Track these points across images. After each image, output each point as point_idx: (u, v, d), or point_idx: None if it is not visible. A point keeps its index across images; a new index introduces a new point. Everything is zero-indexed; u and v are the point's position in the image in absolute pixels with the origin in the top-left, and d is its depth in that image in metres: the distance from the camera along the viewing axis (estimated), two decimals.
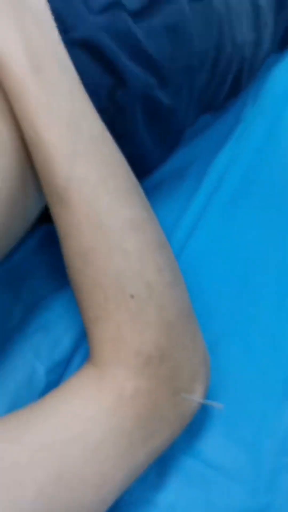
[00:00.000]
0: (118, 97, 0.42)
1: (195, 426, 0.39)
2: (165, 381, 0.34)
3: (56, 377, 0.41)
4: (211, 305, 0.50)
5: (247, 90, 0.70)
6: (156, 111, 0.46)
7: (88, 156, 0.33)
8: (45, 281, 0.47)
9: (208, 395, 0.37)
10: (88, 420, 0.31)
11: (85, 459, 0.30)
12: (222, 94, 0.61)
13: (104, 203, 0.33)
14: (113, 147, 0.35)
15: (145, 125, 0.46)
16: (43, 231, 0.50)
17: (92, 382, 0.33)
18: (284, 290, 0.52)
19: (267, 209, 0.59)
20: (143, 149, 0.47)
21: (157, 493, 0.38)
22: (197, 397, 0.35)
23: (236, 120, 0.67)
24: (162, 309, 0.34)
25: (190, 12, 0.51)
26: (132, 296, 0.33)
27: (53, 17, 0.36)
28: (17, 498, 0.27)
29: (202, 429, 0.41)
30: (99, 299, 0.34)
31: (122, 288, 0.33)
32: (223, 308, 0.50)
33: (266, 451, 0.41)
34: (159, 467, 0.39)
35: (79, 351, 0.43)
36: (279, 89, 0.70)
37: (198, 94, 0.52)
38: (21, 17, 0.33)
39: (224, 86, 0.60)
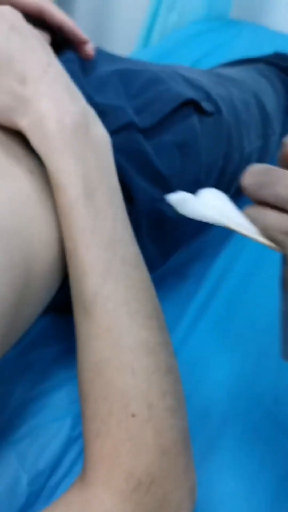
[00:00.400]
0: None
1: None
2: (150, 510, 0.34)
3: (38, 487, 0.41)
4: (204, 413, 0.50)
5: None
6: (161, 223, 0.48)
7: (118, 277, 0.36)
8: (40, 377, 0.47)
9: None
10: None
11: None
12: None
13: (124, 322, 0.35)
14: (142, 272, 0.38)
15: (149, 236, 0.47)
16: (47, 320, 0.51)
17: (79, 508, 0.33)
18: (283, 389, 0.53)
19: (263, 308, 0.60)
20: (145, 259, 0.48)
21: None
22: None
23: None
24: (160, 434, 0.34)
25: (201, 128, 0.54)
26: (133, 415, 0.34)
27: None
28: None
29: None
30: (103, 412, 0.34)
31: (125, 405, 0.34)
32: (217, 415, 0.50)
33: None
34: None
35: (64, 460, 0.42)
36: None
37: None
38: (84, 146, 0.37)
39: (229, 191, 0.63)
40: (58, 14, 0.49)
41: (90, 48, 0.51)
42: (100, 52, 0.57)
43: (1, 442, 0.41)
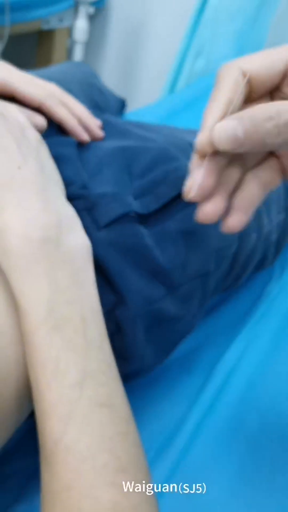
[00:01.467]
0: (118, 315, 0.39)
1: None
2: None
3: None
4: None
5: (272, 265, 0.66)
6: (160, 322, 0.43)
7: (83, 423, 0.30)
8: (13, 498, 0.41)
9: None
10: None
11: None
12: (241, 280, 0.57)
13: (86, 481, 0.29)
14: (117, 413, 0.32)
15: (146, 336, 0.42)
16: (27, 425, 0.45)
17: None
18: None
19: (278, 411, 0.53)
20: (141, 363, 0.42)
21: None
22: None
23: (256, 298, 0.63)
24: None
25: None
26: None
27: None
28: None
29: None
30: None
31: None
32: None
33: None
34: None
35: None
36: None
37: (210, 294, 0.49)
38: (53, 264, 0.33)
39: (244, 275, 0.56)
40: (58, 113, 0.47)
41: (85, 137, 0.48)
42: (106, 122, 0.53)
43: None
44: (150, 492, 0.31)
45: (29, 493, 0.41)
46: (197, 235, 0.46)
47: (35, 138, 0.39)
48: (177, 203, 0.45)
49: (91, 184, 0.43)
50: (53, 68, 0.73)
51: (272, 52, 0.32)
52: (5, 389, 0.32)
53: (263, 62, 0.31)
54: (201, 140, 0.31)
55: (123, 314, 0.39)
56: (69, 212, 0.36)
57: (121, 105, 0.84)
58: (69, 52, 1.59)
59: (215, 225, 0.49)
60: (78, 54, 1.56)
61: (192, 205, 0.47)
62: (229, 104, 0.31)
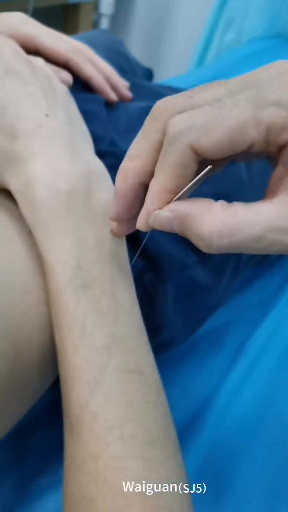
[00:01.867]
0: (147, 282, 0.36)
1: None
2: None
3: None
4: None
5: None
6: (192, 292, 0.40)
7: (111, 390, 0.28)
8: (35, 471, 0.39)
9: None
10: None
11: None
12: (271, 256, 0.54)
13: (114, 451, 0.27)
14: (147, 382, 0.29)
15: (177, 306, 0.39)
16: (52, 395, 0.43)
17: None
18: None
19: None
20: (171, 334, 0.40)
21: None
22: None
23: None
24: None
25: (248, 176, 0.45)
26: None
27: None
28: None
29: None
30: None
31: None
32: None
33: None
34: None
35: None
36: None
37: (243, 266, 0.46)
38: (82, 219, 0.30)
39: None
40: (86, 70, 0.44)
41: (113, 96, 0.45)
42: (134, 84, 0.50)
43: None
44: (180, 468, 0.29)
45: (52, 466, 0.40)
46: (231, 199, 0.42)
47: (63, 90, 0.36)
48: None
49: (121, 142, 0.40)
50: (79, 36, 0.70)
51: (234, 126, 0.22)
52: (28, 352, 0.30)
53: (222, 144, 0.23)
54: (138, 225, 0.27)
55: (153, 281, 0.36)
56: (99, 166, 0.33)
57: (148, 75, 0.81)
58: (95, 26, 1.55)
59: (253, 191, 0.46)
60: (104, 27, 1.53)
61: (226, 168, 0.44)
62: (172, 192, 0.25)
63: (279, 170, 0.24)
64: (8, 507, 0.37)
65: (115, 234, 0.31)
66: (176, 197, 0.25)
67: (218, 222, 0.23)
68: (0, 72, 0.32)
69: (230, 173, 0.43)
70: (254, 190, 0.46)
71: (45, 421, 0.42)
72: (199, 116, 0.23)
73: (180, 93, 0.26)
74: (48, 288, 0.30)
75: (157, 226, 0.26)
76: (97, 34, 0.74)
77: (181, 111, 0.25)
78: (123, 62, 0.68)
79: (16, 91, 0.32)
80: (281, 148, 0.23)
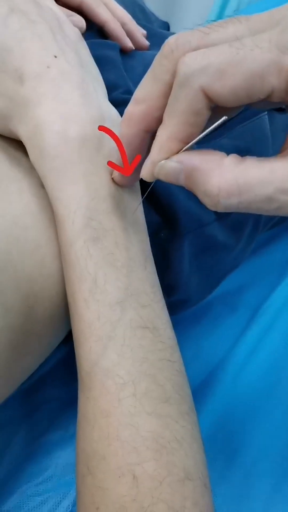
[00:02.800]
0: (163, 238, 0.35)
1: None
2: None
3: None
4: None
5: None
6: (208, 250, 0.38)
7: (123, 346, 0.27)
8: (46, 425, 0.39)
9: None
10: None
11: None
12: None
13: (127, 408, 0.26)
14: (160, 338, 0.28)
15: (193, 265, 0.38)
16: (64, 352, 0.43)
17: None
18: None
19: None
20: (187, 293, 0.39)
21: None
22: None
23: None
24: None
25: (272, 129, 0.43)
26: None
27: None
28: None
29: None
30: None
31: None
32: None
33: None
34: None
35: None
36: None
37: (262, 227, 0.44)
38: (95, 167, 0.29)
39: None
40: (101, 14, 0.41)
41: (129, 43, 0.42)
42: (151, 32, 0.48)
43: None
44: (195, 426, 0.28)
45: (64, 421, 0.40)
46: (253, 154, 0.40)
47: (74, 32, 0.34)
48: (232, 117, 0.40)
49: None
50: None
51: (253, 70, 0.20)
52: (40, 306, 0.29)
53: (238, 90, 0.20)
54: (142, 174, 0.25)
55: (169, 237, 0.35)
56: (112, 111, 0.31)
57: (165, 28, 0.77)
58: None
59: (276, 144, 0.44)
60: None
61: (249, 121, 0.42)
62: (181, 141, 0.23)
63: None
64: (19, 461, 0.37)
65: (117, 183, 0.29)
66: (186, 147, 0.23)
67: (228, 179, 0.21)
68: (4, 11, 0.30)
69: (254, 128, 0.41)
70: (277, 148, 0.44)
71: (57, 377, 0.41)
72: (214, 56, 0.21)
73: (194, 29, 0.23)
74: (59, 241, 0.28)
75: (163, 177, 0.24)
76: None
77: (195, 49, 0.22)
78: (139, 14, 0.64)
79: (22, 31, 0.29)
80: None
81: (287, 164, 0.21)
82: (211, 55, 0.21)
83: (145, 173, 0.25)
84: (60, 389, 0.41)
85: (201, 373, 0.46)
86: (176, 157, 0.23)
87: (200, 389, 0.46)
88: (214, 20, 0.24)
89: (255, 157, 0.22)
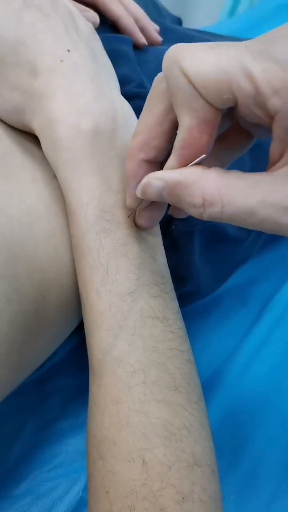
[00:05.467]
0: (174, 230, 0.35)
1: None
2: None
3: None
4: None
5: None
6: (219, 242, 0.39)
7: (134, 335, 0.27)
8: (57, 413, 0.40)
9: None
10: None
11: None
12: None
13: (137, 395, 0.27)
14: (170, 328, 0.29)
15: (203, 256, 0.38)
16: (75, 342, 0.43)
17: None
18: None
19: None
20: (197, 284, 0.39)
21: None
22: None
23: None
24: None
25: None
26: None
27: None
28: None
29: None
30: (102, 509, 0.26)
31: (129, 507, 0.26)
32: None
33: None
34: None
35: None
36: None
37: None
38: (107, 160, 0.29)
39: None
40: (114, 9, 0.42)
41: (142, 39, 0.43)
42: (164, 28, 0.48)
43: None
44: (203, 414, 0.29)
45: (75, 409, 0.40)
46: (264, 148, 0.40)
47: (87, 26, 0.34)
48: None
49: (150, 85, 0.38)
50: None
51: (221, 69, 0.20)
52: (52, 294, 0.30)
53: (208, 80, 0.20)
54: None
55: (180, 229, 0.36)
56: (124, 105, 0.32)
57: (177, 23, 0.77)
58: None
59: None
60: None
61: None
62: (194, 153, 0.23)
63: (275, 145, 0.21)
64: (31, 447, 0.38)
65: (143, 228, 0.29)
66: (193, 163, 0.23)
67: (211, 190, 0.21)
68: (18, 5, 0.30)
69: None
70: None
71: (69, 365, 0.42)
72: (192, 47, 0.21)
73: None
74: (71, 232, 0.29)
75: (145, 196, 0.25)
76: None
77: None
78: (151, 8, 0.64)
79: (35, 25, 0.30)
80: (271, 117, 0.20)
81: (271, 178, 0.21)
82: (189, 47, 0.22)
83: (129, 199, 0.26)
84: (71, 378, 0.41)
85: (210, 365, 0.47)
86: (155, 175, 0.24)
87: (209, 381, 0.46)
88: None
89: (238, 171, 0.22)
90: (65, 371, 0.42)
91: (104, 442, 0.27)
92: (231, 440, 0.43)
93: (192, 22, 1.26)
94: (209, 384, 0.46)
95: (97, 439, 0.27)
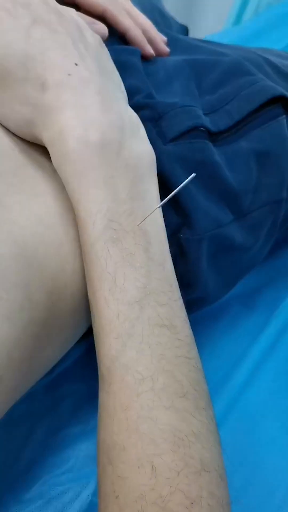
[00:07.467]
0: (181, 238, 0.36)
1: None
2: None
3: None
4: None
5: None
6: (226, 250, 0.39)
7: (142, 343, 0.28)
8: (68, 418, 0.41)
9: None
10: None
11: None
12: None
13: (145, 402, 0.27)
14: (178, 335, 0.29)
15: (210, 265, 0.39)
16: (86, 346, 0.44)
17: None
18: None
19: None
20: (205, 291, 0.40)
21: None
22: None
23: None
24: None
25: None
26: None
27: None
28: None
29: None
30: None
31: (139, 511, 0.26)
32: None
33: None
34: None
35: None
36: None
37: (280, 226, 0.45)
38: (114, 170, 0.30)
39: None
40: (123, 21, 0.43)
41: (150, 50, 0.43)
42: (172, 38, 0.49)
43: (10, 500, 0.35)
44: (211, 420, 0.29)
45: (85, 415, 0.41)
46: (272, 157, 0.41)
47: (95, 39, 0.35)
48: (251, 120, 0.41)
49: (158, 95, 0.39)
50: None
51: None
52: (62, 302, 0.30)
53: None
54: None
55: (188, 237, 0.36)
56: (132, 116, 0.32)
57: (183, 32, 0.78)
58: None
59: None
60: None
61: (268, 123, 0.42)
62: None
63: None
64: (42, 452, 0.38)
65: None
66: (159, 205, 0.29)
67: None
68: (27, 22, 0.31)
69: (272, 131, 0.42)
70: None
71: (78, 371, 0.43)
72: None
73: None
74: (80, 241, 0.30)
75: None
76: None
77: None
78: (158, 17, 0.65)
79: (44, 41, 0.31)
80: None
81: None
82: None
83: None
84: (81, 384, 0.42)
85: (217, 371, 0.47)
86: None
87: (216, 387, 0.47)
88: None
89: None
90: (74, 377, 0.42)
91: (114, 448, 0.27)
92: (237, 445, 0.43)
93: (198, 30, 1.27)
94: (217, 389, 0.46)
95: (106, 445, 0.28)
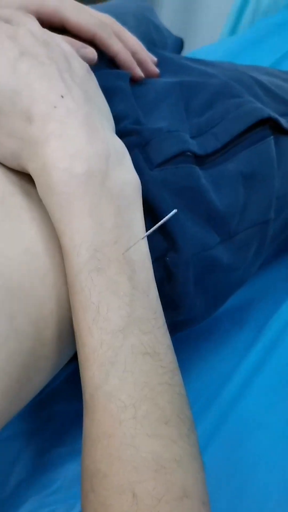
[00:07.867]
0: (168, 262, 0.36)
1: None
2: None
3: None
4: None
5: None
6: (213, 271, 0.40)
7: (125, 371, 0.28)
8: (57, 438, 0.41)
9: None
10: None
11: None
12: None
13: (127, 430, 0.27)
14: (161, 363, 0.30)
15: (197, 286, 0.39)
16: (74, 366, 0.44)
17: None
18: None
19: None
20: (192, 313, 0.40)
21: None
22: None
23: None
24: None
25: (278, 153, 0.44)
26: None
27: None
28: None
29: None
30: None
31: None
32: None
33: None
34: None
35: None
36: None
37: (268, 245, 0.45)
38: (99, 200, 0.30)
39: None
40: (112, 45, 0.43)
41: (139, 73, 0.44)
42: (162, 58, 0.49)
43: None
44: (194, 446, 0.30)
45: (73, 435, 0.41)
46: (258, 178, 0.42)
47: (82, 67, 0.36)
48: (238, 142, 0.41)
49: (146, 120, 0.39)
50: (108, 3, 0.68)
51: None
52: (48, 330, 0.31)
53: None
54: None
55: (174, 261, 0.36)
56: (117, 144, 0.33)
57: (179, 44, 0.78)
58: None
59: (281, 169, 0.45)
60: None
61: (255, 145, 0.43)
62: None
63: None
64: (29, 473, 0.39)
65: None
66: (143, 237, 0.30)
67: None
68: (13, 55, 0.31)
69: (259, 152, 0.42)
70: (284, 170, 0.45)
71: (67, 391, 0.43)
72: None
73: None
74: (66, 271, 0.30)
75: None
76: (126, 2, 0.72)
77: None
78: (153, 32, 0.66)
79: (30, 74, 0.31)
80: None
81: None
82: None
83: None
84: (69, 404, 0.42)
85: (206, 388, 0.47)
86: None
87: (205, 404, 0.47)
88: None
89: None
90: (63, 396, 0.43)
91: (96, 475, 0.27)
92: (226, 462, 0.44)
93: (193, 41, 1.28)
94: (206, 407, 0.47)
95: (89, 472, 0.28)
